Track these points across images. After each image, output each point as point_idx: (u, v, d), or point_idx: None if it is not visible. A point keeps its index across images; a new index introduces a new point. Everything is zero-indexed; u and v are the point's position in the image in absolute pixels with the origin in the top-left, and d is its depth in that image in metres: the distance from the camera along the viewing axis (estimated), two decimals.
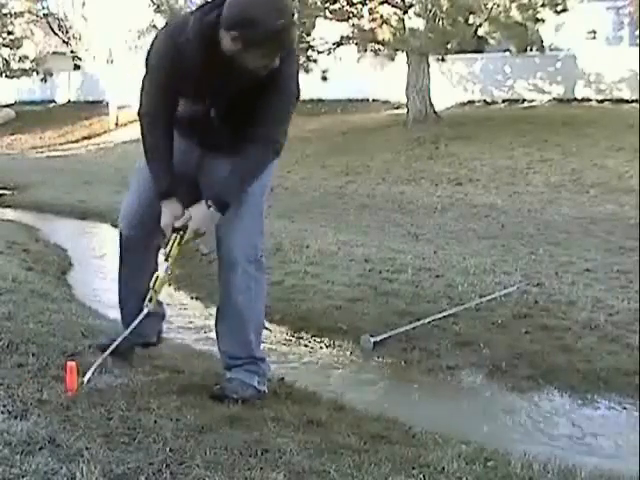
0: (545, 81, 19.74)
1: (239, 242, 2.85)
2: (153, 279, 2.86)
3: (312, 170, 14.17)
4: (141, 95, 2.86)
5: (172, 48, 2.67)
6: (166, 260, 2.85)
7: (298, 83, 2.80)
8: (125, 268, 3.11)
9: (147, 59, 2.79)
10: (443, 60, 18.01)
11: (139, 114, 2.89)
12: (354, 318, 4.77)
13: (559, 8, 14.41)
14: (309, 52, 17.13)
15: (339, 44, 17.30)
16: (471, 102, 19.91)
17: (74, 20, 29.36)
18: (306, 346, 4.54)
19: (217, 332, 3.04)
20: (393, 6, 16.81)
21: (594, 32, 21.18)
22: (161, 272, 2.90)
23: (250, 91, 2.70)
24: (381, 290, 5.35)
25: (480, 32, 15.28)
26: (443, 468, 2.50)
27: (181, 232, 2.78)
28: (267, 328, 3.93)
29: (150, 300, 2.86)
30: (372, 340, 4.32)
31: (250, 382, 2.94)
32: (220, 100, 2.75)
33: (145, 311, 2.86)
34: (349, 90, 21.35)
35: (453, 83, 20.51)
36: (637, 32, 18.79)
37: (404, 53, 16.91)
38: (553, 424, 3.37)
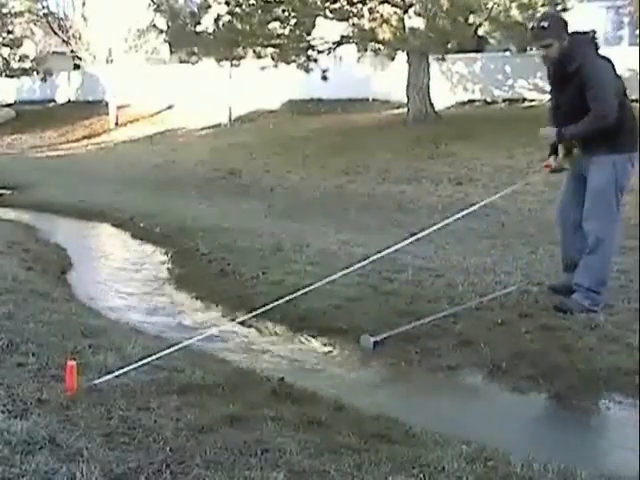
0: (545, 81, 19.69)
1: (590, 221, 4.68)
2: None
3: (312, 170, 14.15)
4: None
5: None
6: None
7: None
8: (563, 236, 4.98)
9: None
10: (443, 60, 17.99)
11: None
12: (354, 318, 4.77)
13: (559, 8, 14.39)
14: (309, 52, 17.12)
15: (339, 44, 17.27)
16: (471, 102, 19.89)
17: (74, 20, 29.35)
18: (306, 346, 4.54)
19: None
20: (393, 5, 16.78)
21: (594, 32, 21.15)
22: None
23: None
24: (381, 290, 5.35)
25: (480, 32, 15.25)
26: (443, 468, 2.50)
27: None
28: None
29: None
30: (372, 340, 4.31)
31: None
32: None
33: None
34: (349, 90, 21.32)
35: (453, 83, 20.49)
36: (637, 32, 18.76)
37: (404, 53, 16.90)
38: (553, 424, 3.37)
